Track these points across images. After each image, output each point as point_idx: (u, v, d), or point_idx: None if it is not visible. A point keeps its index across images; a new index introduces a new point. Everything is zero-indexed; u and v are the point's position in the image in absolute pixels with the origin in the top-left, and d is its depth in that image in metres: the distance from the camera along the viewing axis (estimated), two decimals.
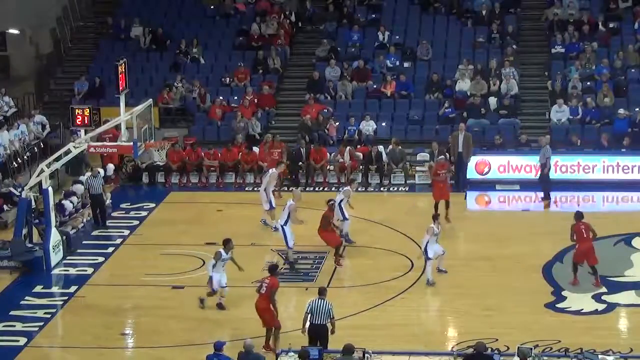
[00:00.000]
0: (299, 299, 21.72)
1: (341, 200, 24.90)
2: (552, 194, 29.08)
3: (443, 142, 30.67)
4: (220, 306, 21.17)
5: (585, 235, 22.04)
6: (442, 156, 28.02)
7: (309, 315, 17.95)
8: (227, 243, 21.23)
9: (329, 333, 17.82)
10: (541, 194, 28.74)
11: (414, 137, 32.53)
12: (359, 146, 31.63)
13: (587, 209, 28.79)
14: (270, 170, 26.69)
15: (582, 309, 21.02)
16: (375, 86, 34.19)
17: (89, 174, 27.84)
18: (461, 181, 29.55)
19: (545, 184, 28.65)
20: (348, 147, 30.73)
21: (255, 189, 28.70)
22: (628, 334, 20.16)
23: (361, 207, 26.40)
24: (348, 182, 27.20)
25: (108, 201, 28.49)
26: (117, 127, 26.47)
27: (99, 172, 27.35)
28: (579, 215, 22.45)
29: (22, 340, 20.05)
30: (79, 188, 27.85)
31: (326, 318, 17.81)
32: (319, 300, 17.99)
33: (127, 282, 22.85)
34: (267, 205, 26.04)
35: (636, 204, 29.08)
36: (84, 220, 27.14)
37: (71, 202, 27.22)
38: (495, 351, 18.18)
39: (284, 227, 23.36)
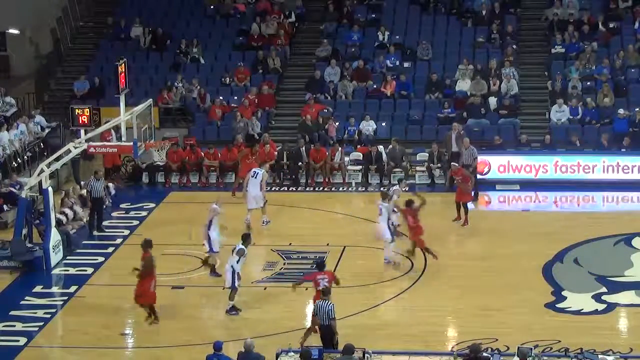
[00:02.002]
0: (299, 299, 21.74)
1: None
2: (552, 194, 29.18)
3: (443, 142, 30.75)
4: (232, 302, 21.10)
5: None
6: (454, 163, 28.09)
7: (317, 317, 18.02)
8: (247, 238, 21.17)
9: (335, 334, 17.83)
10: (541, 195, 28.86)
11: (414, 137, 32.55)
12: (359, 146, 31.68)
13: (587, 209, 28.94)
14: (259, 171, 26.61)
15: (582, 309, 21.02)
16: (375, 86, 34.20)
17: (92, 176, 27.73)
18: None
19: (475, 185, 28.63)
20: (340, 148, 30.83)
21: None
22: (628, 334, 20.15)
23: (361, 207, 26.41)
24: (397, 181, 27.36)
25: (108, 201, 28.55)
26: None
27: (101, 176, 27.26)
28: None
29: (22, 340, 20.04)
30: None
31: (328, 318, 17.82)
32: (323, 301, 18.07)
33: (127, 282, 22.78)
34: (262, 202, 26.28)
35: (636, 204, 29.09)
36: (85, 220, 27.13)
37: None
38: (496, 351, 18.19)
39: (208, 231, 22.89)
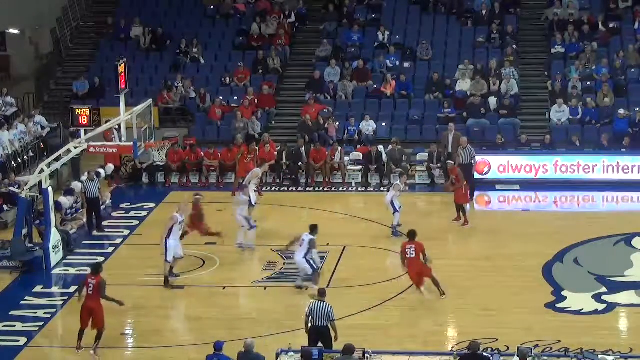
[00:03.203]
0: (299, 298, 21.75)
1: (393, 196, 25.33)
2: (552, 194, 29.23)
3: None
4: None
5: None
6: (450, 161, 28.19)
7: (310, 318, 17.89)
8: (314, 229, 22.12)
9: (333, 337, 17.69)
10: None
11: (414, 137, 32.54)
12: (359, 146, 31.69)
13: (587, 209, 28.95)
14: (254, 169, 26.81)
15: (582, 309, 21.02)
16: (375, 86, 34.20)
17: (85, 177, 27.71)
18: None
19: (472, 184, 28.62)
20: (340, 148, 30.88)
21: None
22: (628, 334, 20.15)
23: (361, 207, 26.41)
24: (399, 175, 27.28)
25: (108, 201, 28.59)
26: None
27: (95, 176, 27.22)
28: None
29: (22, 340, 20.04)
30: (77, 185, 27.79)
31: (326, 320, 17.75)
32: (319, 302, 17.92)
33: (127, 282, 22.81)
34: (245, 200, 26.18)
35: (636, 204, 29.09)
36: (85, 220, 27.12)
37: (68, 200, 27.18)
38: (496, 351, 18.19)
39: (166, 240, 22.52)
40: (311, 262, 21.91)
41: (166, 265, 22.64)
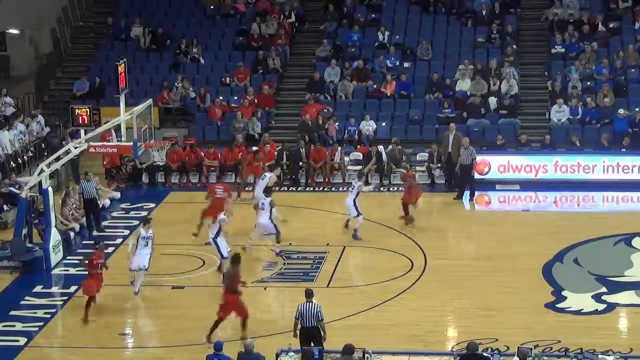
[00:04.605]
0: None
1: (355, 197, 25.30)
2: (552, 194, 29.22)
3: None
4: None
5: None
6: (404, 163, 28.97)
7: (300, 320, 17.77)
8: (269, 190, 24.50)
9: (322, 337, 17.60)
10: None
11: (414, 137, 32.55)
12: (359, 146, 31.69)
13: (587, 209, 28.97)
14: (267, 174, 26.68)
15: (582, 309, 21.02)
16: (375, 86, 34.20)
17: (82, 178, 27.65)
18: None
19: (472, 184, 28.79)
20: (340, 148, 30.89)
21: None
22: (628, 334, 20.16)
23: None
24: (357, 176, 27.20)
25: (108, 201, 28.61)
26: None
27: (92, 177, 27.19)
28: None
29: (22, 340, 20.05)
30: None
31: (316, 321, 17.63)
32: (307, 303, 17.81)
33: (127, 282, 22.82)
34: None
35: (636, 204, 29.10)
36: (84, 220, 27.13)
37: None
38: (496, 351, 18.19)
39: (216, 240, 22.76)
40: (274, 222, 23.99)
41: (223, 262, 22.67)
